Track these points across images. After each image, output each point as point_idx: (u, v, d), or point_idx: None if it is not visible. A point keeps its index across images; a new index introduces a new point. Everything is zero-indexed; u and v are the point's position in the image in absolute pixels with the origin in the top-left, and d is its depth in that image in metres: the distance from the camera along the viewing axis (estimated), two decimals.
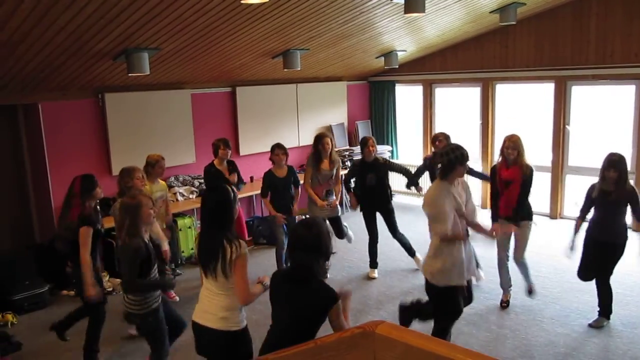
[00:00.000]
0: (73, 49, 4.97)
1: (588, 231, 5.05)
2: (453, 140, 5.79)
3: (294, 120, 9.04)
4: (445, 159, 4.01)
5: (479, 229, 4.34)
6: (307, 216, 5.74)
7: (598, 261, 4.99)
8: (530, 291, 5.55)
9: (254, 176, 8.24)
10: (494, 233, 4.73)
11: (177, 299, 5.94)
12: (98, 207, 4.63)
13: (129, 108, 6.96)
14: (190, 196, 7.38)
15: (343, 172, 7.11)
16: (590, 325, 5.05)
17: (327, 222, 6.35)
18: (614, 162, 4.72)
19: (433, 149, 6.15)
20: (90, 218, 4.34)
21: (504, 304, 5.54)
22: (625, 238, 4.89)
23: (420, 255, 6.25)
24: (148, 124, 7.15)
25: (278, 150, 6.07)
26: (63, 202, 4.56)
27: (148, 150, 6.60)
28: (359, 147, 9.46)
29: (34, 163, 6.58)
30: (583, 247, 5.10)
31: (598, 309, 5.11)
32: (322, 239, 2.80)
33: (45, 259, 6.16)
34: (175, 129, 7.46)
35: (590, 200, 4.98)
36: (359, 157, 8.97)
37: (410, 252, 6.55)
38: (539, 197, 8.36)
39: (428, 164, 6.40)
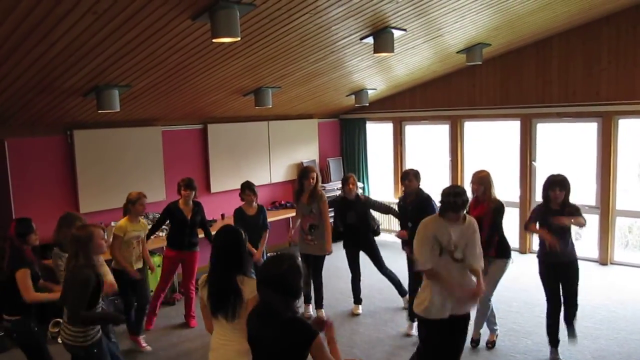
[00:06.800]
0: (43, 85, 4.93)
1: (543, 260, 4.97)
2: (423, 177, 5.69)
3: (265, 158, 9.05)
4: (442, 199, 3.94)
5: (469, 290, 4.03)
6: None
7: (563, 284, 4.93)
8: (475, 341, 5.40)
9: (225, 213, 8.17)
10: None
11: (149, 348, 5.67)
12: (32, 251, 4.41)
13: (98, 145, 6.88)
14: (160, 234, 7.25)
15: None
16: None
17: (309, 258, 6.18)
18: (558, 181, 4.76)
19: (403, 188, 5.80)
20: (24, 259, 4.16)
21: (489, 345, 5.43)
22: (576, 256, 4.94)
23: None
24: (117, 161, 7.07)
25: (248, 191, 6.05)
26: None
27: (117, 187, 6.52)
28: (330, 184, 9.65)
29: None
30: (543, 278, 5.01)
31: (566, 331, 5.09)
32: (289, 276, 2.63)
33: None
34: (146, 165, 7.39)
35: (536, 215, 4.99)
36: (330, 193, 9.04)
37: (401, 290, 6.36)
38: (508, 232, 8.47)
39: (402, 205, 5.86)
